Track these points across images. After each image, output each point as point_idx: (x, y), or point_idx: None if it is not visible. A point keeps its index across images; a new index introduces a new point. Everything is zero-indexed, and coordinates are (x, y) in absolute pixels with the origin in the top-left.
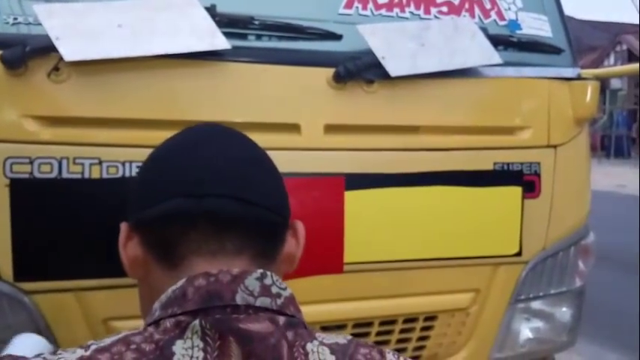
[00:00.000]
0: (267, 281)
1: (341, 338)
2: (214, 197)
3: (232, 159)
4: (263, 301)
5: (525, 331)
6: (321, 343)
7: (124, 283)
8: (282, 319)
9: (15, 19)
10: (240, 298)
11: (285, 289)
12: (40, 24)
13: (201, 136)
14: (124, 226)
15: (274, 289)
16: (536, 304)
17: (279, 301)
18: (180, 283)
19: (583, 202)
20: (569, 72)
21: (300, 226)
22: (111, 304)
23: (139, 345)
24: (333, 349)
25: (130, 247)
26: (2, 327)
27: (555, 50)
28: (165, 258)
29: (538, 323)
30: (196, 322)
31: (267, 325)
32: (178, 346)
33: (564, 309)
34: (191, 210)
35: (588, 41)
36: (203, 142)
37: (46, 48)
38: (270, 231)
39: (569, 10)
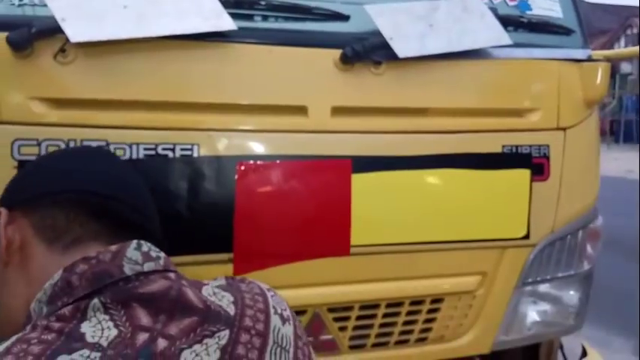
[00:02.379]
0: (145, 248)
1: (221, 281)
2: (118, 202)
3: (129, 175)
4: (149, 266)
5: (532, 314)
6: (213, 287)
7: None
8: (172, 274)
9: (21, 0)
10: (128, 269)
11: (160, 251)
12: (45, 5)
13: (89, 149)
14: (3, 211)
15: (153, 254)
16: (543, 288)
17: (162, 262)
18: (57, 276)
19: (592, 185)
20: (580, 53)
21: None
22: None
23: (39, 338)
24: (225, 288)
25: (10, 231)
26: None
27: (565, 31)
28: (58, 242)
29: (545, 306)
30: (95, 300)
31: (163, 282)
32: (86, 327)
33: (572, 292)
34: (98, 204)
35: (599, 24)
36: (95, 153)
37: (52, 29)
38: (153, 242)
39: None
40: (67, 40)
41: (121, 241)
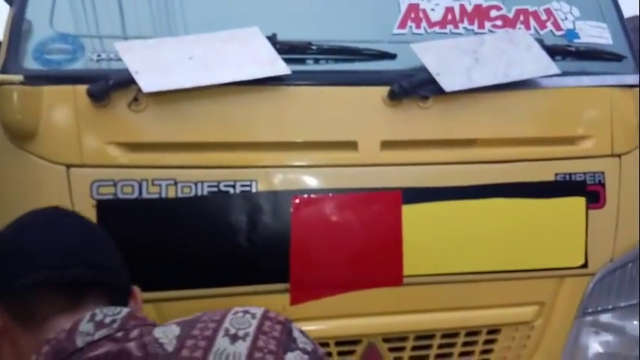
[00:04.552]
0: (99, 317)
1: (191, 316)
2: (76, 267)
3: (84, 230)
4: (101, 333)
5: (594, 345)
6: (170, 324)
7: (197, 295)
8: (120, 333)
9: (98, 55)
10: (80, 342)
11: (119, 312)
12: (120, 59)
13: (44, 218)
14: None
15: (108, 319)
16: (605, 318)
17: (117, 324)
18: (33, 358)
19: None
20: (632, 79)
21: (136, 290)
22: (186, 315)
23: None
24: (179, 323)
25: None
26: None
27: (616, 57)
28: (30, 322)
29: (608, 337)
30: None
31: (108, 345)
32: None
33: (636, 322)
34: (59, 278)
35: None
36: (48, 222)
37: (126, 81)
38: (117, 287)
39: (634, 10)
40: (140, 90)
41: (82, 303)
